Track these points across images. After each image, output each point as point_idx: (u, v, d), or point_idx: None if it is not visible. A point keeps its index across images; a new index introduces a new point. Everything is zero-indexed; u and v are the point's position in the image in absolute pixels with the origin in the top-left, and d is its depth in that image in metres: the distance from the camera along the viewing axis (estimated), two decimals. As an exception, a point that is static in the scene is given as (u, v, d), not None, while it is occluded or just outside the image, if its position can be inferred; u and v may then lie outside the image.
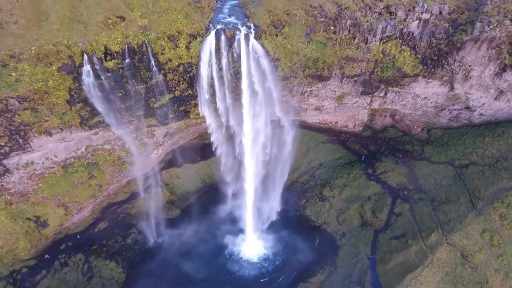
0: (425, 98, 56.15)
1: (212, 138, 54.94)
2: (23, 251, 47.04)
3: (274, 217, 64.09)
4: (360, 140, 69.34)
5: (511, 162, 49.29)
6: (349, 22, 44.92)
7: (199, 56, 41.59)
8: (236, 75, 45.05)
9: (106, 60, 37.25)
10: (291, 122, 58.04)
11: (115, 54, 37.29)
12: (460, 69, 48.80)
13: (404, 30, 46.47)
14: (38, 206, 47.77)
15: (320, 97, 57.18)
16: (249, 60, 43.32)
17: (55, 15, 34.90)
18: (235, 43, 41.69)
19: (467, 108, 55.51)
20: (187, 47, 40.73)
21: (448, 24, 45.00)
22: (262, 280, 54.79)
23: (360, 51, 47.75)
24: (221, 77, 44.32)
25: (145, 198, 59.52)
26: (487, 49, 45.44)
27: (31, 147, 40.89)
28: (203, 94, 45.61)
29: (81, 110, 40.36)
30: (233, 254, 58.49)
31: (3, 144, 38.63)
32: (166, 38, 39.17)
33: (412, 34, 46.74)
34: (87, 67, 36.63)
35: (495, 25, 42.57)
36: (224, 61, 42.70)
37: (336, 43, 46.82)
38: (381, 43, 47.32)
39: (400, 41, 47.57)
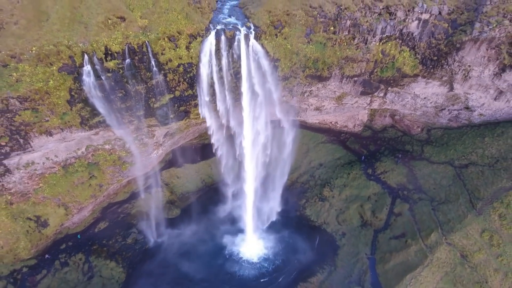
0: (424, 98, 56.25)
1: (213, 140, 55.14)
2: (24, 250, 47.17)
3: (274, 217, 64.25)
4: (360, 140, 69.45)
5: (510, 162, 49.39)
6: (348, 22, 45.03)
7: (199, 57, 41.72)
8: (236, 75, 45.17)
9: (106, 60, 37.36)
10: (291, 123, 58.21)
11: (115, 54, 37.41)
12: (459, 69, 48.91)
13: (404, 31, 46.59)
14: (39, 206, 47.89)
15: (320, 97, 57.29)
16: (249, 61, 43.45)
17: (55, 15, 35.04)
18: (235, 44, 41.81)
19: (467, 108, 55.61)
20: (187, 48, 40.85)
21: (447, 25, 45.10)
22: (262, 280, 54.84)
23: (360, 52, 47.86)
24: (221, 77, 44.46)
25: (145, 198, 59.62)
26: (487, 49, 45.55)
27: (31, 147, 41.01)
28: (203, 96, 45.78)
29: (81, 110, 40.48)
30: (233, 254, 58.55)
31: (3, 144, 38.75)
32: (166, 39, 39.29)
33: (412, 34, 46.85)
34: (87, 67, 36.76)
35: (494, 25, 42.66)
36: (224, 61, 42.84)
37: (335, 44, 46.93)
38: (380, 43, 47.43)
39: (400, 41, 47.69)
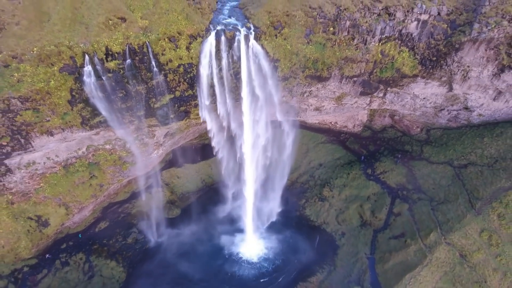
0: (424, 98, 56.43)
1: (213, 143, 55.45)
2: (25, 250, 47.36)
3: (274, 217, 64.41)
4: (360, 141, 69.63)
5: (509, 162, 49.58)
6: (348, 23, 45.23)
7: (199, 57, 41.92)
8: (236, 76, 45.37)
9: (107, 61, 37.58)
10: (291, 124, 58.44)
11: (116, 54, 37.62)
12: (458, 70, 49.09)
13: (403, 31, 46.78)
14: (40, 205, 48.09)
15: (320, 97, 57.48)
16: (249, 61, 43.62)
17: (56, 16, 35.26)
18: (235, 44, 42.00)
19: (466, 108, 55.79)
20: (188, 48, 41.07)
21: (446, 25, 45.29)
22: (262, 280, 54.93)
23: (359, 52, 48.06)
24: (221, 78, 44.66)
25: (145, 198, 59.80)
26: (485, 50, 45.74)
27: (32, 147, 41.22)
28: (204, 99, 45.98)
29: (82, 110, 40.70)
30: (233, 254, 58.64)
31: (5, 144, 38.96)
32: (166, 39, 39.51)
33: (411, 35, 47.05)
34: (88, 68, 36.97)
35: (493, 26, 42.84)
36: (224, 62, 43.03)
37: (335, 44, 47.13)
38: (380, 44, 47.61)
39: (399, 42, 47.87)
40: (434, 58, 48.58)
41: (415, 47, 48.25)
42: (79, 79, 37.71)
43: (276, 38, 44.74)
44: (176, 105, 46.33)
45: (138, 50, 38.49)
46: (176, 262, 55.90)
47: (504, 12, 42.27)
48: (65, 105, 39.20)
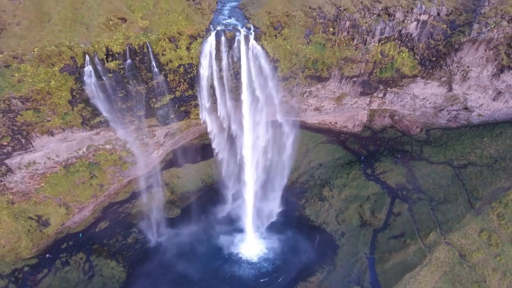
0: (423, 98, 56.52)
1: (214, 145, 55.60)
2: (25, 250, 47.47)
3: (274, 217, 64.48)
4: (360, 141, 69.72)
5: (509, 162, 49.64)
6: (348, 23, 45.33)
7: (199, 57, 42.02)
8: (236, 76, 45.48)
9: (107, 61, 37.69)
10: (291, 125, 58.58)
11: (116, 55, 37.73)
12: (458, 70, 49.17)
13: (403, 31, 46.86)
14: (40, 205, 48.22)
15: (320, 97, 57.58)
16: (249, 61, 43.72)
17: (57, 16, 35.38)
18: (235, 44, 42.11)
19: (466, 108, 55.88)
20: (188, 48, 41.18)
21: (446, 26, 45.37)
22: (262, 280, 55.00)
23: (359, 52, 48.16)
24: (221, 78, 44.77)
25: (145, 198, 59.89)
26: (485, 50, 45.81)
27: (33, 147, 41.34)
28: (204, 100, 46.11)
29: (82, 110, 40.81)
30: (232, 254, 58.71)
31: (5, 144, 39.09)
32: (166, 39, 39.62)
33: (411, 35, 47.13)
34: (88, 68, 37.08)
35: (492, 26, 42.91)
36: (224, 62, 43.14)
37: (335, 44, 47.22)
38: (379, 44, 47.70)
39: (399, 42, 47.95)
40: (434, 59, 48.67)
41: (415, 48, 48.34)
42: (79, 79, 37.83)
43: (276, 38, 44.85)
44: (176, 105, 46.45)
45: (139, 50, 38.61)
46: (176, 262, 55.99)
47: (504, 13, 42.34)
48: (66, 105, 39.32)
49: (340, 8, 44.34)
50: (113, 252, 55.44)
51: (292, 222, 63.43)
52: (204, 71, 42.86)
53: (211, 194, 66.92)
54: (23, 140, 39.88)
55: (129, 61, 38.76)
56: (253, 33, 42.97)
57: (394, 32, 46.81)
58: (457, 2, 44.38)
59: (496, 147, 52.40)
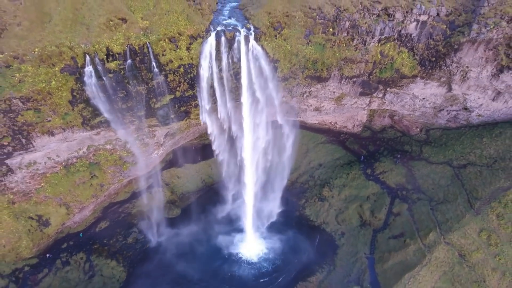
0: (423, 99, 56.63)
1: (214, 146, 55.73)
2: (25, 249, 47.57)
3: (274, 217, 64.57)
4: (359, 141, 69.83)
5: (508, 163, 49.74)
6: (347, 23, 45.44)
7: (199, 58, 42.12)
8: (236, 76, 45.58)
9: (108, 61, 37.80)
10: (291, 126, 58.71)
11: (116, 55, 37.84)
12: (457, 70, 49.28)
13: (402, 32, 46.96)
14: (40, 205, 48.32)
15: (319, 98, 57.68)
16: (249, 62, 43.82)
17: (58, 17, 35.48)
18: (235, 45, 42.21)
19: (465, 109, 55.98)
20: (188, 49, 41.28)
21: (445, 26, 45.49)
22: (261, 280, 55.09)
23: (359, 53, 48.26)
24: (221, 78, 44.87)
25: (146, 198, 59.99)
26: (484, 51, 45.92)
27: (33, 147, 41.45)
28: (204, 102, 46.23)
29: (83, 110, 40.93)
30: (232, 254, 58.79)
31: (6, 144, 39.19)
32: (167, 40, 39.73)
33: (410, 35, 47.24)
34: (89, 68, 37.18)
35: (492, 26, 43.03)
36: (224, 62, 43.24)
37: (335, 45, 47.32)
38: (379, 44, 47.81)
39: (398, 42, 48.06)
40: (433, 59, 48.77)
41: (414, 48, 48.45)
42: (80, 79, 37.94)
43: (276, 38, 44.95)
44: (177, 105, 46.56)
45: (139, 51, 38.72)
46: (176, 262, 56.08)
47: (503, 13, 42.46)
48: (66, 105, 39.43)
49: (340, 9, 44.45)
50: (113, 252, 55.54)
51: (292, 222, 63.54)
52: (204, 72, 42.96)
53: (211, 194, 67.04)
54: (23, 140, 39.99)
55: (129, 61, 38.87)
56: (253, 33, 43.07)
57: (394, 33, 46.92)
58: (457, 3, 44.51)
59: (496, 147, 52.51)
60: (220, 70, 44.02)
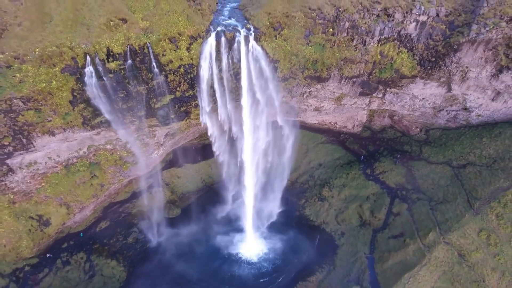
0: (423, 99, 56.73)
1: (214, 148, 55.87)
2: (26, 249, 47.68)
3: (274, 217, 64.67)
4: (359, 141, 69.92)
5: (508, 163, 49.82)
6: (347, 24, 45.54)
7: (199, 58, 42.23)
8: (236, 76, 45.69)
9: (108, 62, 37.92)
10: (291, 127, 58.84)
11: (117, 55, 37.95)
12: (457, 71, 49.38)
13: (402, 32, 47.06)
14: (41, 205, 48.43)
15: (319, 98, 57.79)
16: (249, 62, 43.93)
17: (58, 17, 35.59)
18: (235, 45, 42.32)
19: (465, 109, 56.07)
20: (188, 49, 41.40)
21: (445, 26, 45.60)
22: (261, 280, 55.17)
23: (358, 53, 48.37)
24: (221, 78, 44.98)
25: (146, 198, 60.11)
26: (484, 51, 46.03)
27: (34, 146, 41.57)
28: (205, 104, 46.33)
29: (83, 110, 41.04)
30: (232, 254, 58.90)
31: (7, 143, 39.31)
32: (167, 40, 39.84)
33: (410, 36, 47.34)
34: (89, 68, 37.29)
35: (491, 27, 43.15)
36: (224, 63, 43.35)
37: (334, 45, 47.43)
38: (379, 44, 47.91)
39: (398, 42, 48.16)
40: (433, 59, 48.88)
41: (414, 48, 48.56)
42: (80, 79, 38.05)
43: (276, 39, 45.06)
44: (177, 105, 46.67)
45: (139, 51, 38.83)
46: (176, 262, 56.22)
47: (502, 13, 42.58)
48: (67, 106, 39.55)
49: (340, 9, 44.56)
50: (113, 251, 55.65)
51: (292, 222, 63.63)
52: (204, 72, 43.08)
53: (211, 194, 67.18)
54: (24, 140, 40.11)
55: (129, 61, 38.97)
56: (253, 33, 43.18)
57: (393, 33, 47.02)
58: (456, 3, 44.62)
59: (495, 147, 52.59)
60: (220, 71, 44.12)
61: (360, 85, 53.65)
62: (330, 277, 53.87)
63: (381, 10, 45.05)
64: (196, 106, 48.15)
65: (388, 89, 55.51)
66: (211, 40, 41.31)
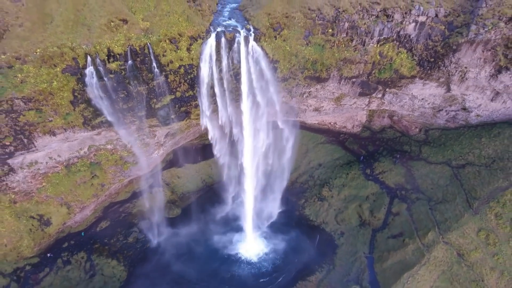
0: (422, 99, 56.91)
1: (215, 151, 56.05)
2: (27, 249, 47.86)
3: (274, 217, 64.83)
4: (359, 141, 70.10)
5: (506, 162, 49.96)
6: (346, 24, 45.74)
7: (199, 58, 42.43)
8: (236, 77, 45.88)
9: (109, 62, 38.13)
10: (291, 128, 59.04)
11: (117, 56, 38.14)
12: (456, 71, 49.56)
13: (401, 33, 47.24)
14: (42, 205, 48.62)
15: (319, 98, 57.97)
16: (249, 62, 44.12)
17: (59, 18, 35.81)
18: (235, 46, 42.51)
19: (464, 109, 56.25)
20: (188, 49, 41.59)
21: (444, 27, 45.79)
22: (261, 280, 55.26)
23: (358, 53, 48.55)
24: (221, 79, 45.16)
25: (146, 198, 60.28)
26: (483, 51, 46.20)
27: (35, 146, 41.77)
28: (205, 107, 46.53)
29: (84, 110, 41.24)
30: (232, 254, 59.00)
31: (8, 143, 39.50)
32: (167, 40, 40.04)
33: (409, 36, 47.53)
34: (90, 69, 37.49)
35: (490, 27, 43.33)
36: (224, 63, 43.55)
37: (334, 45, 47.62)
38: (378, 45, 48.10)
39: (397, 43, 48.34)
40: (432, 59, 49.07)
41: (413, 48, 48.74)
42: (81, 80, 38.24)
43: (276, 39, 45.24)
44: (177, 105, 46.87)
45: (140, 51, 39.03)
46: (176, 262, 56.32)
47: (501, 14, 42.77)
48: (68, 106, 39.74)
49: (339, 10, 44.74)
50: (114, 251, 55.82)
51: (292, 222, 63.77)
52: (204, 72, 43.27)
53: (211, 194, 67.35)
54: (25, 140, 40.31)
55: (130, 62, 39.18)
56: (252, 34, 43.37)
57: (393, 33, 47.21)
58: (455, 4, 44.82)
59: (494, 147, 52.75)
60: (220, 71, 44.31)
61: (360, 86, 53.84)
62: (330, 276, 54.02)
63: (380, 11, 45.23)
64: (196, 106, 48.36)
65: (387, 90, 55.70)
66: (211, 40, 41.50)
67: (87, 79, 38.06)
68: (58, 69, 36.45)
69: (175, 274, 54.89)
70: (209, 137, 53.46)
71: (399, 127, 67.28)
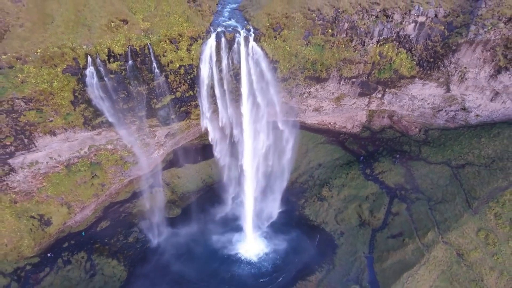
0: (422, 99, 57.01)
1: (215, 152, 56.09)
2: (27, 248, 47.96)
3: (273, 217, 64.91)
4: (359, 141, 70.20)
5: (506, 162, 50.04)
6: (346, 25, 45.83)
7: (199, 59, 42.53)
8: (236, 77, 45.99)
9: (109, 62, 38.23)
10: (291, 128, 59.13)
11: (118, 56, 38.25)
12: (455, 71, 49.65)
13: (401, 33, 47.34)
14: (42, 204, 48.72)
15: (319, 98, 58.07)
16: (249, 63, 44.21)
17: (60, 18, 35.92)
18: (235, 46, 42.62)
19: (464, 109, 56.34)
20: (188, 50, 41.69)
21: (443, 27, 45.89)
22: (261, 280, 55.31)
23: (358, 53, 48.65)
24: (221, 79, 45.26)
25: (146, 198, 60.38)
26: (482, 51, 46.28)
27: (35, 146, 41.87)
28: (205, 109, 46.64)
29: (84, 110, 41.34)
30: (232, 254, 59.05)
31: (8, 143, 39.59)
32: (167, 41, 40.15)
33: (409, 36, 47.63)
34: (91, 69, 37.60)
35: (489, 28, 43.43)
36: (224, 63, 43.65)
37: (334, 46, 47.72)
38: (378, 45, 48.20)
39: (397, 43, 48.44)
40: (432, 60, 49.17)
41: (413, 49, 48.84)
42: (81, 80, 38.35)
43: (276, 39, 45.34)
44: (177, 105, 46.97)
45: (140, 52, 39.13)
46: (176, 262, 56.38)
47: (500, 14, 42.85)
48: (68, 106, 39.84)
49: (339, 10, 44.84)
50: (114, 251, 55.90)
51: (292, 222, 63.81)
52: (204, 73, 43.36)
53: (211, 194, 67.42)
54: (26, 140, 40.42)
55: (130, 62, 39.28)
56: (252, 34, 43.46)
57: (392, 34, 47.31)
58: (455, 4, 44.92)
59: (494, 147, 52.83)
60: (220, 71, 44.41)
61: (359, 86, 53.94)
62: (330, 276, 54.09)
63: (380, 11, 45.33)
64: (196, 106, 48.46)
65: (387, 90, 55.79)
66: (211, 41, 41.59)
67: (87, 79, 38.16)
68: (58, 69, 36.55)
69: (175, 274, 54.95)
70: (210, 139, 53.64)
71: (398, 127, 67.37)
